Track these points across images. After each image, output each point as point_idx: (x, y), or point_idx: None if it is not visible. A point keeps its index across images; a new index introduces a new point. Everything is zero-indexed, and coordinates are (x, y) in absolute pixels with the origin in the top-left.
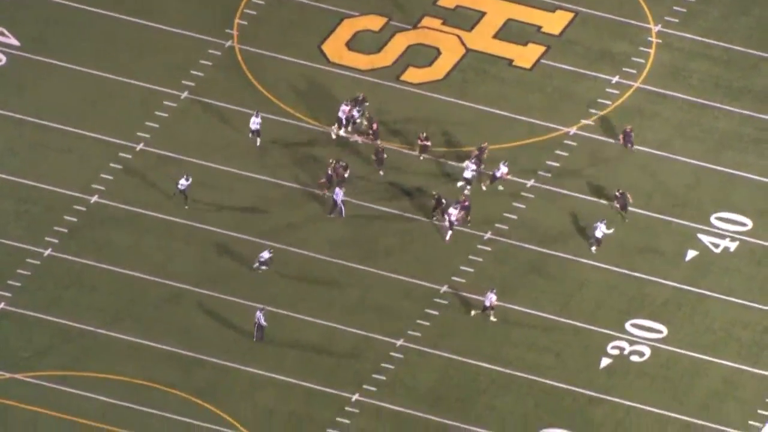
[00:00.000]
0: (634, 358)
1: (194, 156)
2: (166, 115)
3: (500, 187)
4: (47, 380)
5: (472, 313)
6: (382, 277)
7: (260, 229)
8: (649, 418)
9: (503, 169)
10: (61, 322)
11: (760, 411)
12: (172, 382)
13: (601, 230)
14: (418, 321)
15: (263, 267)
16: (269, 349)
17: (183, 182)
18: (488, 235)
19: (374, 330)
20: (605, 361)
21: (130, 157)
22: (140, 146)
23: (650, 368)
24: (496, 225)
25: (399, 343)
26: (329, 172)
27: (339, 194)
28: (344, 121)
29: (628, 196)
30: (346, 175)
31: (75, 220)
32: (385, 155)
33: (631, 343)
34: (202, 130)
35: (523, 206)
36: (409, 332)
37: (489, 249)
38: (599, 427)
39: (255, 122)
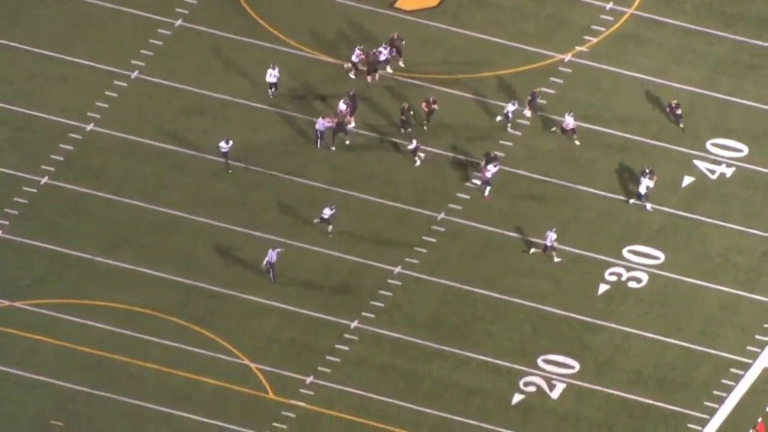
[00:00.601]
0: (632, 285)
1: (189, 84)
2: (160, 43)
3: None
4: (46, 308)
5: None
6: (379, 205)
7: (256, 157)
8: (647, 343)
9: (569, 120)
10: (58, 250)
11: (758, 336)
12: (171, 310)
13: (645, 185)
14: (416, 248)
15: (328, 225)
16: (267, 277)
17: (223, 145)
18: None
19: (372, 257)
20: (603, 288)
21: (125, 85)
22: (135, 74)
23: (648, 294)
24: (494, 152)
25: (397, 270)
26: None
27: (321, 124)
28: (356, 64)
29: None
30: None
31: (71, 148)
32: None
33: (629, 269)
34: (197, 57)
35: (519, 133)
36: (407, 259)
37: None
38: (597, 353)
39: (272, 74)
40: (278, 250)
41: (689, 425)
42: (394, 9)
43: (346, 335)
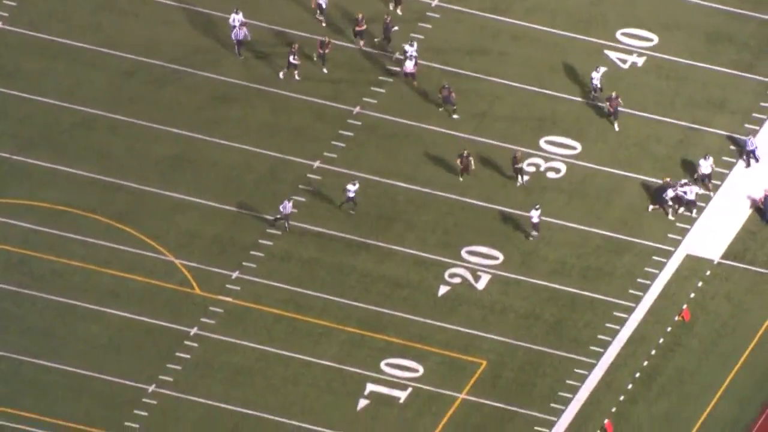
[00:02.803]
0: (551, 175)
1: None
2: None
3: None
4: None
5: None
6: (295, 100)
7: (170, 54)
8: (570, 233)
9: (706, 164)
10: None
11: (679, 224)
12: (93, 207)
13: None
14: (333, 142)
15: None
16: (188, 173)
17: (350, 187)
18: (397, 55)
19: (290, 152)
20: (522, 178)
21: None
22: None
23: (567, 184)
24: (404, 45)
25: (316, 164)
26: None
27: (239, 33)
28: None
29: (619, 100)
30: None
31: None
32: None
33: (547, 159)
34: None
35: (429, 26)
36: (325, 153)
37: (398, 69)
38: (521, 243)
39: (236, 19)
40: (292, 200)
41: (615, 313)
42: None
43: (269, 230)
